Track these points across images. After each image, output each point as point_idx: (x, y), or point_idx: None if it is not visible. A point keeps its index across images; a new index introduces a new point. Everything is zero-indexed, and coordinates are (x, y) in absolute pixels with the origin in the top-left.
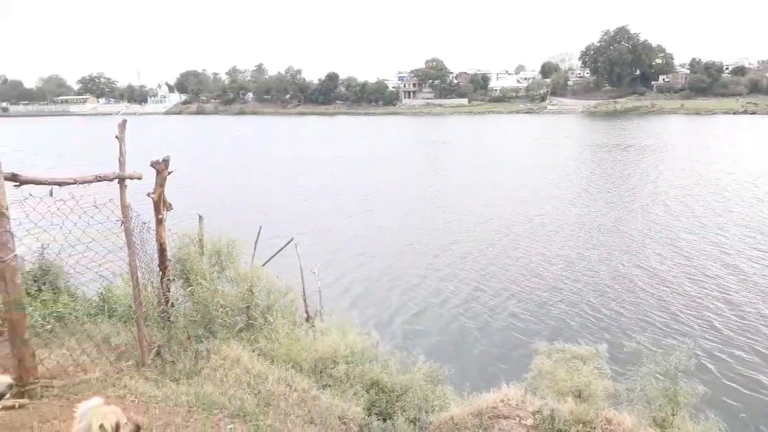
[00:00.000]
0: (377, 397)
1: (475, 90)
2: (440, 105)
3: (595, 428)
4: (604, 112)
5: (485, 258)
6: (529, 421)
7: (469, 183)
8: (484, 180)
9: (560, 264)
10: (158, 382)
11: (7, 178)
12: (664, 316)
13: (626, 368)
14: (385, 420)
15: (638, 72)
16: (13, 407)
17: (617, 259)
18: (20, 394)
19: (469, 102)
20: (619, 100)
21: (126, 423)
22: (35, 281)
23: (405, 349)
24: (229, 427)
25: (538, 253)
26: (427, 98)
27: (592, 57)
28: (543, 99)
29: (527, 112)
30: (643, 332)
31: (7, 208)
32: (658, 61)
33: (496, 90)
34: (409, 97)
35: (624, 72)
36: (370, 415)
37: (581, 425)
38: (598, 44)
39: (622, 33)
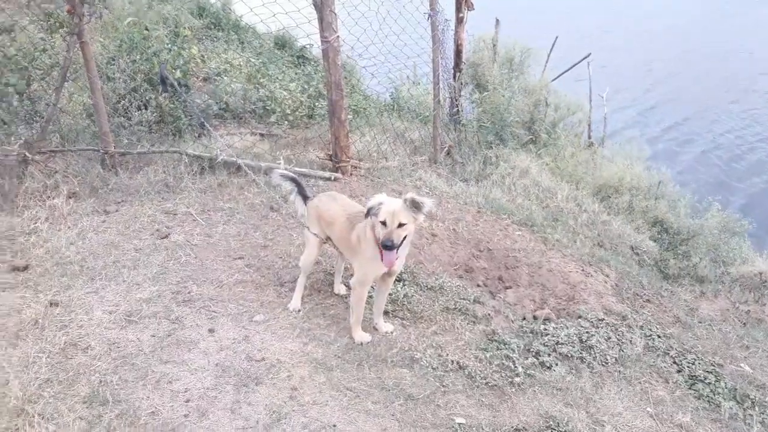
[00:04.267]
0: (659, 236)
1: None
2: None
3: None
4: None
5: None
6: None
7: None
8: None
9: None
10: (449, 179)
11: None
12: None
13: None
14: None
15: None
16: (329, 179)
17: None
18: (335, 169)
19: None
20: None
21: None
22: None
23: (698, 193)
24: (517, 233)
25: None
26: None
27: None
28: None
29: None
30: None
31: None
32: None
33: None
34: None
35: None
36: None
37: None
38: None
39: None
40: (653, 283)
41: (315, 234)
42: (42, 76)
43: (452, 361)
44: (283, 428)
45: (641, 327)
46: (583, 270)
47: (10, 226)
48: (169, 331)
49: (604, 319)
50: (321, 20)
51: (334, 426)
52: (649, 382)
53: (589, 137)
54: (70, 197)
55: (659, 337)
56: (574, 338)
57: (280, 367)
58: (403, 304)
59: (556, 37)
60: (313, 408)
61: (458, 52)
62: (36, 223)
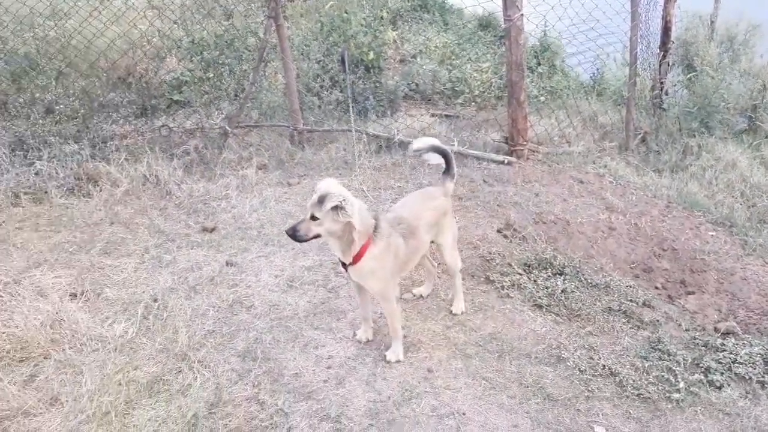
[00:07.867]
0: None
1: None
2: None
3: None
4: None
5: None
6: None
7: None
8: None
9: None
10: (639, 169)
11: None
12: None
13: None
14: None
15: None
16: (502, 162)
17: None
18: (509, 153)
19: None
20: None
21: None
22: (536, 56)
23: None
24: (710, 233)
25: None
26: None
27: None
28: None
29: None
30: None
31: None
32: None
33: None
34: None
35: None
36: None
37: None
38: None
39: None
40: None
41: None
42: (251, 57)
43: (603, 366)
44: (412, 407)
45: None
46: None
47: (206, 192)
48: (324, 299)
49: None
50: None
51: (464, 414)
52: None
53: None
54: (259, 168)
55: None
56: (758, 358)
57: (420, 346)
58: (560, 300)
59: None
60: (446, 392)
61: (666, 30)
62: (228, 190)
